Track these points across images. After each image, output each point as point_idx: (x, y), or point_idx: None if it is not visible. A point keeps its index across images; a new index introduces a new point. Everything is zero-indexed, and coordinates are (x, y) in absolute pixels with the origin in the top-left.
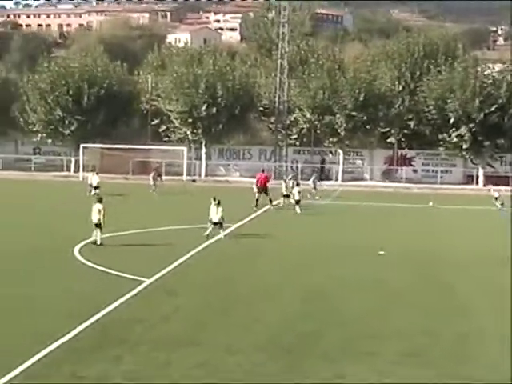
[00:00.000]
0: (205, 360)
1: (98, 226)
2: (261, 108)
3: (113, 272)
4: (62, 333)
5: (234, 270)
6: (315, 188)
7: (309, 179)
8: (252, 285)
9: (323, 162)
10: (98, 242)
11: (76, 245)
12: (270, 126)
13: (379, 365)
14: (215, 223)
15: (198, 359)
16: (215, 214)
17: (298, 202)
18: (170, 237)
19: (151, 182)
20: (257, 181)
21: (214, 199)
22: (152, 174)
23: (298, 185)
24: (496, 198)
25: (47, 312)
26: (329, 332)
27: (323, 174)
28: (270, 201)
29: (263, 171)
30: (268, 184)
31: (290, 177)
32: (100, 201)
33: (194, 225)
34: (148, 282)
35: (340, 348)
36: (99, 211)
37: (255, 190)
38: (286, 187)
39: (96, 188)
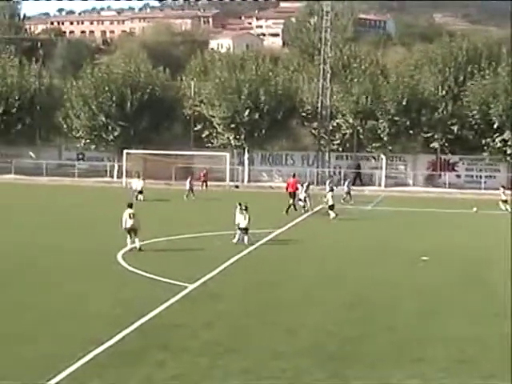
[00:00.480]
0: (248, 366)
1: (131, 231)
2: (303, 113)
3: (156, 277)
4: (107, 337)
5: (277, 275)
6: (349, 194)
7: (360, 185)
8: (296, 290)
9: (358, 167)
10: (129, 246)
11: (119, 250)
12: (313, 131)
13: (427, 371)
14: (242, 229)
15: (242, 365)
16: (243, 219)
17: (331, 207)
18: (212, 242)
19: (187, 187)
20: (287, 186)
21: (240, 204)
22: (189, 180)
23: (331, 190)
24: (505, 201)
25: (91, 317)
26: (374, 337)
27: (358, 180)
28: (294, 206)
29: (294, 176)
30: (297, 190)
31: (328, 182)
32: (131, 206)
33: (237, 230)
34: (191, 287)
35: (385, 354)
36: (132, 216)
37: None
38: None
39: (140, 193)
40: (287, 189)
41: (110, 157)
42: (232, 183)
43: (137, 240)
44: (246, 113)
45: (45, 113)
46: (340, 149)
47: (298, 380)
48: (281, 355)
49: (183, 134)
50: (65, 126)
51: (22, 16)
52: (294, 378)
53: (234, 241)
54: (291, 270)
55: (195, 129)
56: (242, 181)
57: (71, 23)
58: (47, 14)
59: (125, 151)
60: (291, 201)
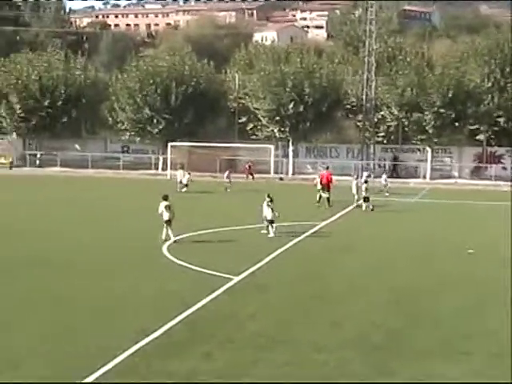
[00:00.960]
0: (292, 358)
1: (168, 222)
2: (348, 106)
3: (201, 269)
4: (154, 329)
5: (321, 267)
6: (386, 185)
7: (395, 177)
8: (340, 282)
9: (395, 159)
10: (173, 239)
11: (165, 242)
12: (358, 123)
13: (473, 364)
14: (269, 221)
15: (286, 357)
16: (270, 212)
17: (366, 199)
18: (257, 234)
19: (226, 180)
20: (321, 179)
21: (269, 196)
22: (226, 173)
23: (366, 182)
24: None
25: (138, 309)
26: (419, 329)
27: (395, 172)
28: (328, 200)
29: (327, 168)
30: (331, 183)
31: (366, 174)
32: (166, 198)
33: (281, 223)
34: (236, 279)
35: (431, 346)
36: (168, 208)
37: (319, 187)
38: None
39: (186, 186)
40: (321, 181)
41: (155, 149)
42: (276, 175)
43: (170, 231)
44: (291, 105)
45: (90, 106)
46: (384, 141)
47: (341, 371)
48: (325, 347)
49: (228, 126)
50: (110, 119)
51: (67, 10)
52: (337, 369)
53: (271, 235)
54: (336, 262)
55: (240, 121)
56: (287, 173)
57: (116, 16)
58: (92, 8)
59: (169, 144)
60: (325, 194)
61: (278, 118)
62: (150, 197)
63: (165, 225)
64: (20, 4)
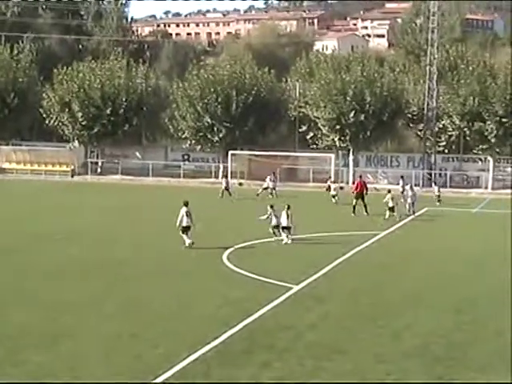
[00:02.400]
0: (353, 368)
1: (187, 229)
2: (409, 115)
3: (261, 278)
4: (213, 337)
5: (382, 277)
6: (438, 196)
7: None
8: (401, 292)
9: (431, 167)
10: (187, 244)
11: (225, 250)
12: (419, 132)
13: None
14: (284, 228)
15: (346, 367)
16: (286, 218)
17: (391, 209)
18: (316, 243)
19: (270, 186)
20: (355, 187)
21: (288, 206)
22: (269, 177)
23: (403, 191)
24: None
25: (200, 317)
26: (482, 342)
27: (431, 180)
28: (365, 207)
29: (360, 177)
30: (366, 191)
31: (401, 183)
32: (187, 204)
33: (342, 232)
34: (296, 288)
35: (494, 359)
36: (188, 214)
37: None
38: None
39: (227, 189)
40: (356, 190)
41: (215, 157)
42: (336, 184)
43: (186, 238)
44: (352, 114)
45: (151, 114)
46: (446, 150)
47: (403, 382)
48: (386, 358)
49: (288, 135)
50: (171, 127)
51: (129, 18)
52: (399, 380)
53: (289, 242)
54: (396, 272)
55: (300, 130)
56: (347, 182)
57: (177, 25)
58: (154, 17)
59: (230, 152)
60: (354, 201)
61: (338, 126)
62: (208, 205)
63: (181, 231)
64: (83, 13)
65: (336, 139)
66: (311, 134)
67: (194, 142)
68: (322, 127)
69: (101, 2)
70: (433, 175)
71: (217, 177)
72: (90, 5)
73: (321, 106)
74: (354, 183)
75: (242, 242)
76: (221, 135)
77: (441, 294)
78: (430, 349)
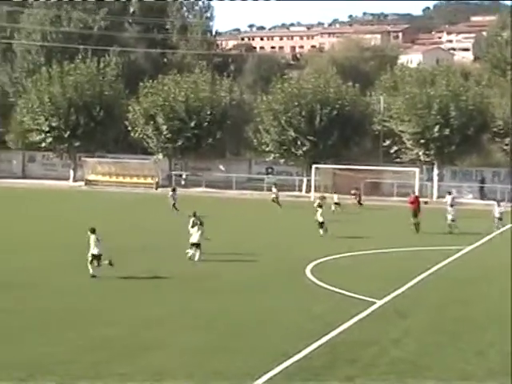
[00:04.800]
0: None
1: (196, 245)
2: (494, 129)
3: (344, 292)
4: (295, 351)
5: (465, 292)
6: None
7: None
8: (486, 308)
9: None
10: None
11: (308, 264)
12: (505, 147)
13: None
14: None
15: (431, 383)
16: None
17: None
18: (399, 258)
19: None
20: (412, 203)
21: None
22: (353, 192)
23: (452, 205)
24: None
25: (281, 329)
26: None
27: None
28: (417, 225)
29: (413, 193)
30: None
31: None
32: (94, 231)
33: (426, 247)
34: (379, 303)
35: None
36: (97, 241)
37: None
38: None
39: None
40: (413, 204)
41: (299, 171)
42: (422, 199)
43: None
44: (436, 128)
45: (235, 127)
46: None
47: None
48: (472, 375)
49: (372, 149)
50: (254, 140)
51: (214, 32)
52: None
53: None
54: (480, 288)
55: (384, 144)
56: (431, 196)
57: (261, 39)
58: (238, 30)
59: (314, 166)
60: (414, 219)
61: (422, 141)
62: (293, 218)
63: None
64: (168, 27)
65: (420, 153)
66: (395, 148)
67: (277, 155)
68: (406, 141)
69: (186, 15)
70: None
71: (300, 190)
72: (175, 19)
73: (405, 120)
74: (413, 198)
75: (325, 255)
76: (304, 149)
77: None
78: None
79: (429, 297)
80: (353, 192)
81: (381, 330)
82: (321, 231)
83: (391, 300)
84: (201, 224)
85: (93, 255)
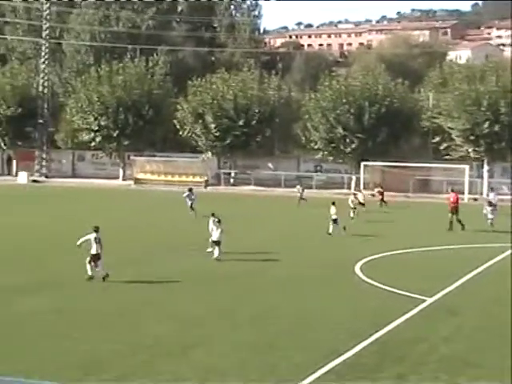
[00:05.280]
0: (488, 382)
1: (217, 243)
2: None
3: (394, 290)
4: (345, 349)
5: None
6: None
7: None
8: None
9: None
10: (89, 274)
11: (357, 262)
12: None
13: None
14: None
15: (481, 381)
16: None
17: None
18: (450, 256)
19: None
20: (454, 200)
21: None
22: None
23: (490, 204)
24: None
25: (331, 327)
26: None
27: None
28: (454, 223)
29: (452, 191)
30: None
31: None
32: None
33: (476, 244)
34: (429, 300)
35: None
36: (97, 241)
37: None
38: None
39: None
40: (454, 202)
41: (348, 169)
42: (471, 196)
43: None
44: (486, 125)
45: (283, 125)
46: None
47: None
48: None
49: (421, 146)
50: (303, 138)
51: (261, 30)
52: None
53: None
54: None
55: (433, 141)
56: (481, 193)
57: (309, 36)
58: (286, 28)
59: (362, 163)
60: (450, 217)
61: (472, 137)
62: (339, 217)
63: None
64: (216, 25)
65: (470, 150)
66: (444, 145)
67: (326, 152)
68: (455, 138)
69: (234, 14)
70: None
71: (349, 188)
72: (223, 17)
73: (454, 117)
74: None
75: (374, 253)
76: (353, 146)
77: None
78: None
79: (479, 294)
80: (376, 191)
81: (431, 328)
82: (331, 228)
83: (442, 297)
84: (219, 222)
85: (92, 255)
